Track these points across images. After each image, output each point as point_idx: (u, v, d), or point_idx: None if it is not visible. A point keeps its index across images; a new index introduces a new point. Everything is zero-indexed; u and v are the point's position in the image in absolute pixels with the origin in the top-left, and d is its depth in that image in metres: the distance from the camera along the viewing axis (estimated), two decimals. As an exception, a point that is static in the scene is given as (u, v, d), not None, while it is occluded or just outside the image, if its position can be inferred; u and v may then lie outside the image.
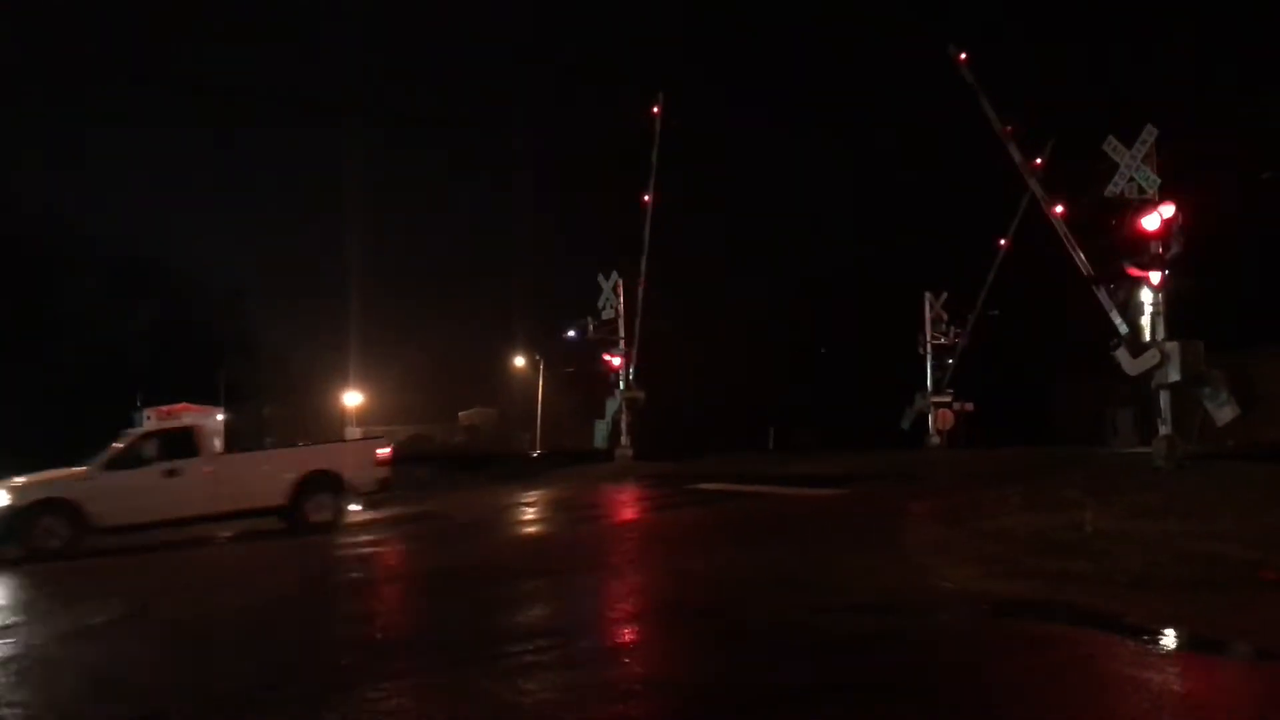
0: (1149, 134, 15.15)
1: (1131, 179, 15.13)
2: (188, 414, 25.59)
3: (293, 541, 14.91)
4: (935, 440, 32.31)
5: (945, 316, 33.29)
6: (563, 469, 28.63)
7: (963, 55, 22.90)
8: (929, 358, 33.02)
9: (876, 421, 33.39)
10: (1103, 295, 16.87)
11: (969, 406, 33.07)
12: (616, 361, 29.24)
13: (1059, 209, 19.49)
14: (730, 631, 7.04)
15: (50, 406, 26.82)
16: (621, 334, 29.54)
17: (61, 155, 56.64)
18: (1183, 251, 14.81)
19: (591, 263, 30.72)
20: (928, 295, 33.14)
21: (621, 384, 29.44)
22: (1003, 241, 31.47)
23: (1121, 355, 15.98)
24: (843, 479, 18.94)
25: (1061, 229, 18.89)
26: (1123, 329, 16.29)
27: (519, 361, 52.47)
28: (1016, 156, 21.43)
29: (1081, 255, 17.91)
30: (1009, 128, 21.96)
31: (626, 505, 18.22)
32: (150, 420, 25.54)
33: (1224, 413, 15.84)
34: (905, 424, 33.37)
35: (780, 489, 18.37)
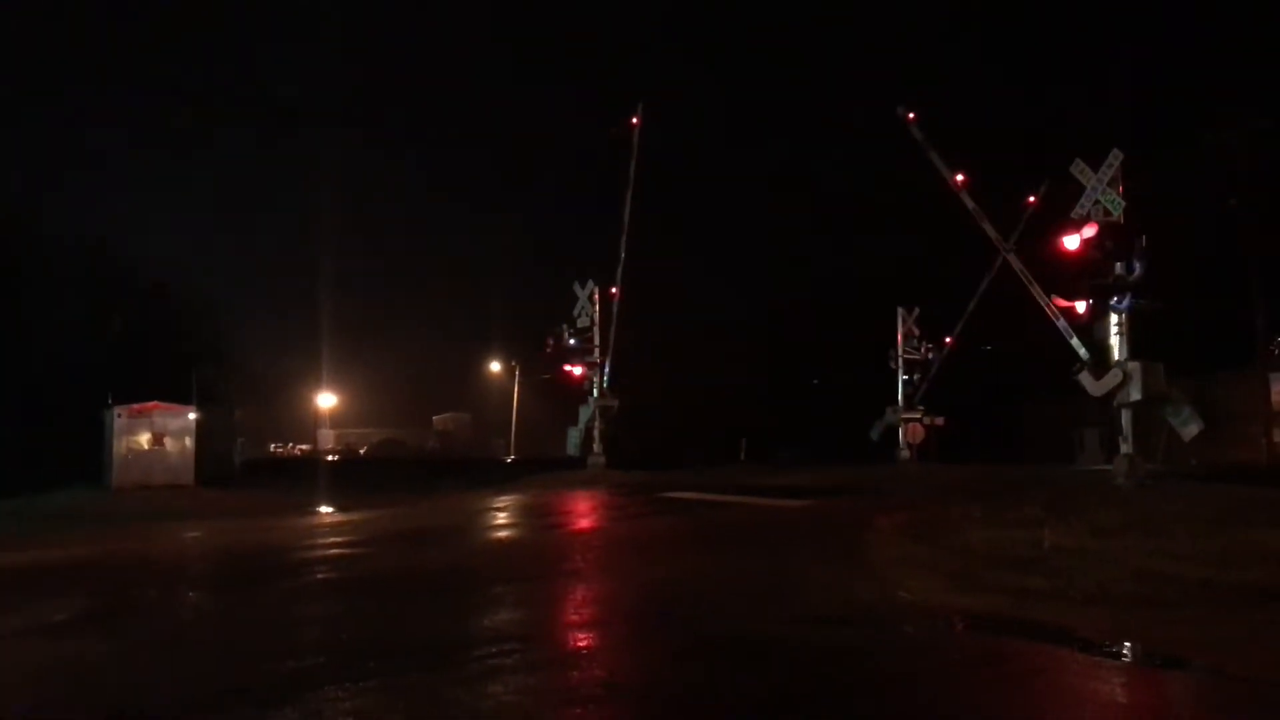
0: (1114, 158, 15.39)
1: (1097, 201, 15.33)
2: (158, 413, 25.68)
3: (258, 539, 14.85)
4: (905, 454, 32.53)
5: (917, 332, 33.43)
6: (536, 475, 28.80)
7: (911, 115, 23.98)
8: (900, 372, 33.20)
9: (849, 434, 33.54)
10: (1062, 324, 17.18)
11: (939, 421, 33.28)
12: (578, 372, 29.44)
13: (1012, 251, 20.07)
14: (693, 639, 7.09)
15: (19, 408, 26.53)
16: (596, 342, 29.62)
17: (34, 159, 56.76)
18: (1145, 275, 15.01)
19: (570, 270, 30.95)
20: (900, 310, 33.39)
21: (595, 392, 29.52)
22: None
23: (1085, 378, 16.24)
24: (812, 491, 19.05)
25: (1018, 267, 19.31)
26: (1084, 354, 16.54)
27: (495, 367, 52.46)
28: (969, 204, 21.97)
29: (1037, 288, 18.22)
30: (960, 178, 22.44)
31: (596, 513, 18.22)
32: (122, 419, 25.53)
33: (1190, 429, 16.06)
34: (874, 435, 33.52)
35: (750, 499, 18.43)
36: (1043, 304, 18.33)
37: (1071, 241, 15.27)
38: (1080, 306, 15.62)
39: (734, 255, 47.12)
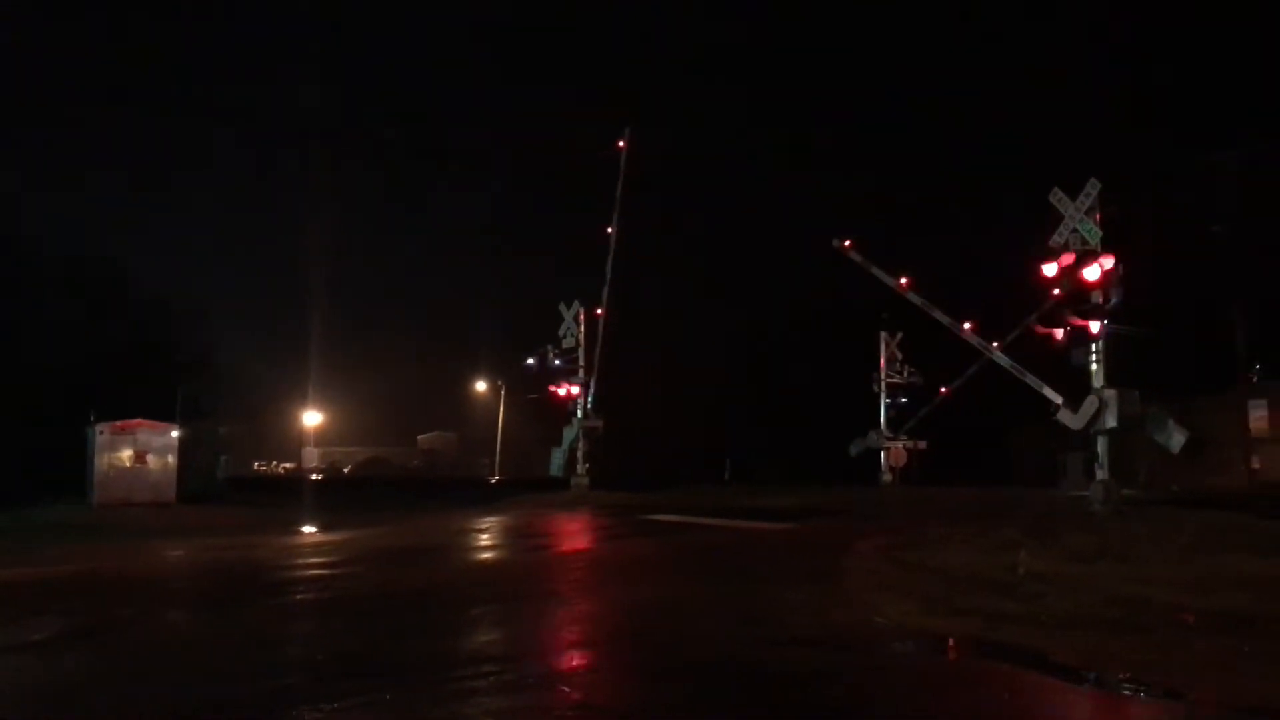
0: (1092, 187, 15.59)
1: (1075, 230, 15.52)
2: (142, 430, 25.54)
3: (240, 557, 14.83)
4: (888, 477, 32.65)
5: (900, 356, 33.60)
6: (520, 496, 29.02)
7: (847, 242, 25.73)
8: (883, 395, 33.37)
9: (833, 455, 33.59)
10: (1030, 378, 17.67)
11: (921, 445, 33.32)
12: (563, 392, 29.73)
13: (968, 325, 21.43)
14: (671, 662, 7.14)
15: (3, 421, 26.34)
16: (581, 363, 29.93)
17: (26, 170, 55.86)
18: (1122, 302, 15.20)
19: (556, 290, 32.41)
20: (883, 335, 33.56)
21: (579, 412, 29.79)
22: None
23: (1064, 416, 16.52)
24: (795, 514, 19.22)
25: (1006, 363, 19.87)
26: (1058, 400, 16.81)
27: (480, 386, 52.25)
28: (918, 300, 23.03)
29: (1031, 376, 18.66)
30: (903, 281, 23.80)
31: (579, 534, 18.27)
32: (104, 435, 25.35)
33: (1176, 440, 16.06)
34: (853, 450, 33.50)
35: (732, 522, 18.50)
36: (1015, 371, 18.75)
37: (1050, 269, 15.44)
38: (1059, 334, 15.79)
39: (722, 275, 47.51)
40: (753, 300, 45.15)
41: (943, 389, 31.83)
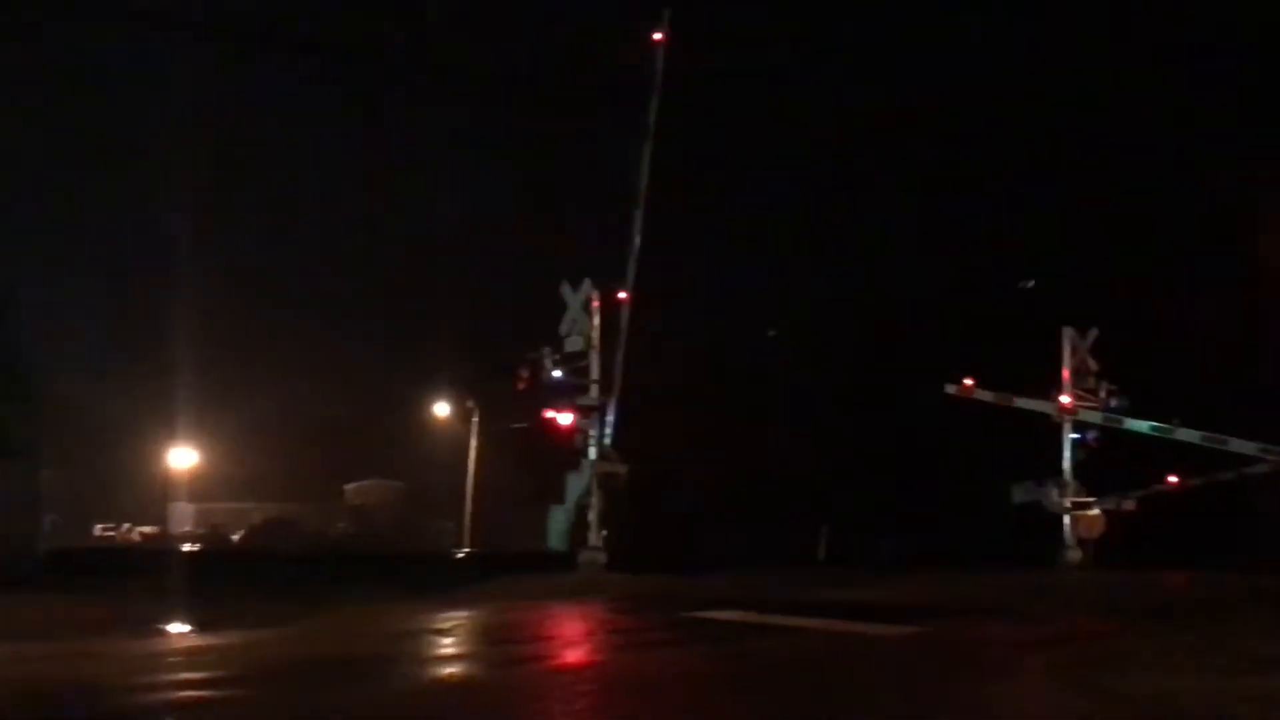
0: None
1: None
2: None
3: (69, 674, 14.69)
4: (1074, 555, 32.89)
5: (1096, 367, 33.50)
6: (500, 579, 28.63)
7: (968, 381, 29.83)
8: (1067, 429, 33.13)
9: (986, 519, 33.87)
10: None
11: (1129, 506, 33.35)
12: (567, 420, 29.90)
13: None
14: None
15: None
16: (595, 375, 30.00)
17: None
18: None
19: (556, 267, 31.64)
20: (1068, 333, 33.22)
21: (591, 451, 29.96)
22: None
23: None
24: (925, 611, 19.55)
25: None
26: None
27: (441, 411, 52.86)
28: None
29: None
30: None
31: (590, 640, 18.57)
32: None
33: None
34: (1017, 498, 33.77)
35: (829, 623, 18.73)
36: None
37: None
38: None
39: (807, 243, 46.75)
40: (857, 280, 44.54)
41: (1171, 477, 32.47)
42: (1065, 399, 33.53)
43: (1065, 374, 33.48)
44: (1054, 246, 38.73)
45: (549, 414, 30.08)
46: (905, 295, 42.51)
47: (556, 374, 30.07)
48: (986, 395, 30.03)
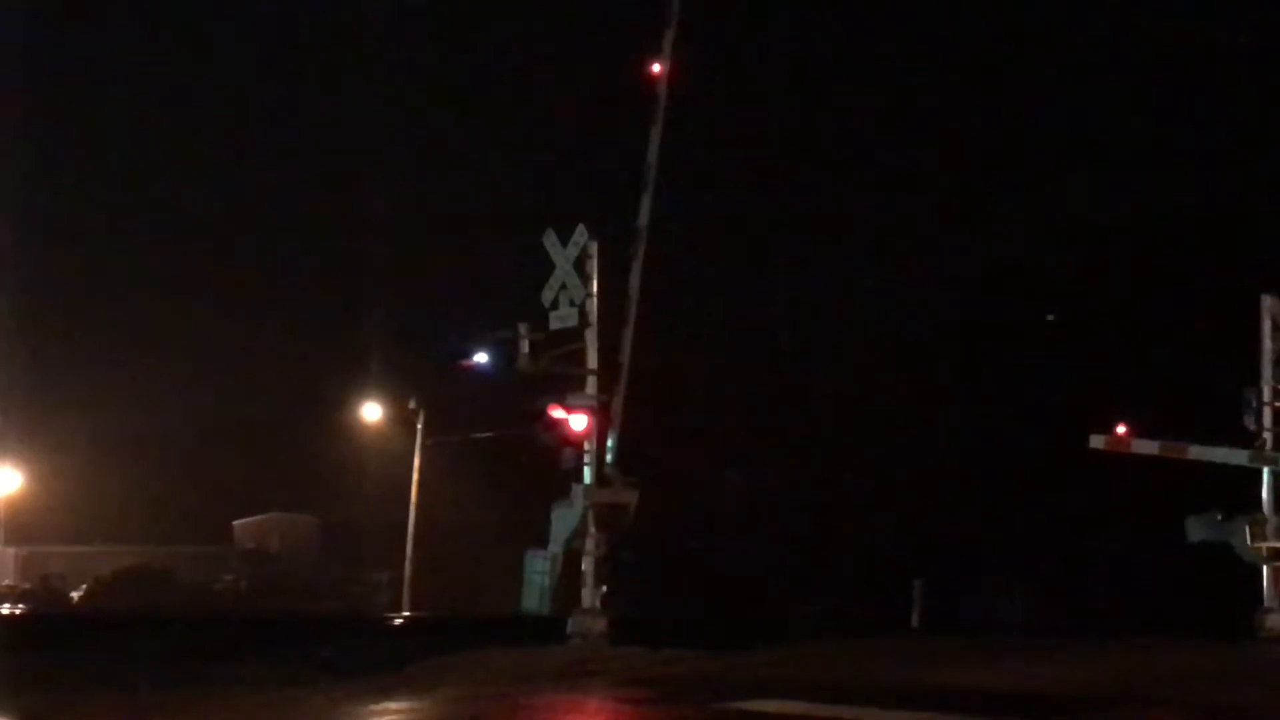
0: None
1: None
2: None
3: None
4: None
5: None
6: (455, 654, 26.09)
7: (1122, 429, 30.11)
8: (1269, 436, 29.97)
9: (1145, 576, 30.72)
10: None
11: None
12: (552, 426, 27.38)
13: None
14: None
15: None
16: (592, 363, 27.67)
17: None
18: None
19: (536, 212, 32.38)
20: (1268, 302, 30.27)
21: (588, 470, 27.24)
22: None
23: None
24: (1060, 704, 18.16)
25: None
26: None
27: (371, 414, 52.01)
28: None
29: None
30: None
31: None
32: None
33: None
34: (1194, 536, 31.29)
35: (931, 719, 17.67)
36: None
37: None
38: None
39: (886, 175, 44.15)
40: (957, 239, 40.94)
41: None
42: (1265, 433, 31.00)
43: (1265, 358, 30.24)
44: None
45: (552, 413, 27.01)
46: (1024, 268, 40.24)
47: (536, 360, 27.37)
48: (1149, 447, 28.40)
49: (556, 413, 27.03)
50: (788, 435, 34.50)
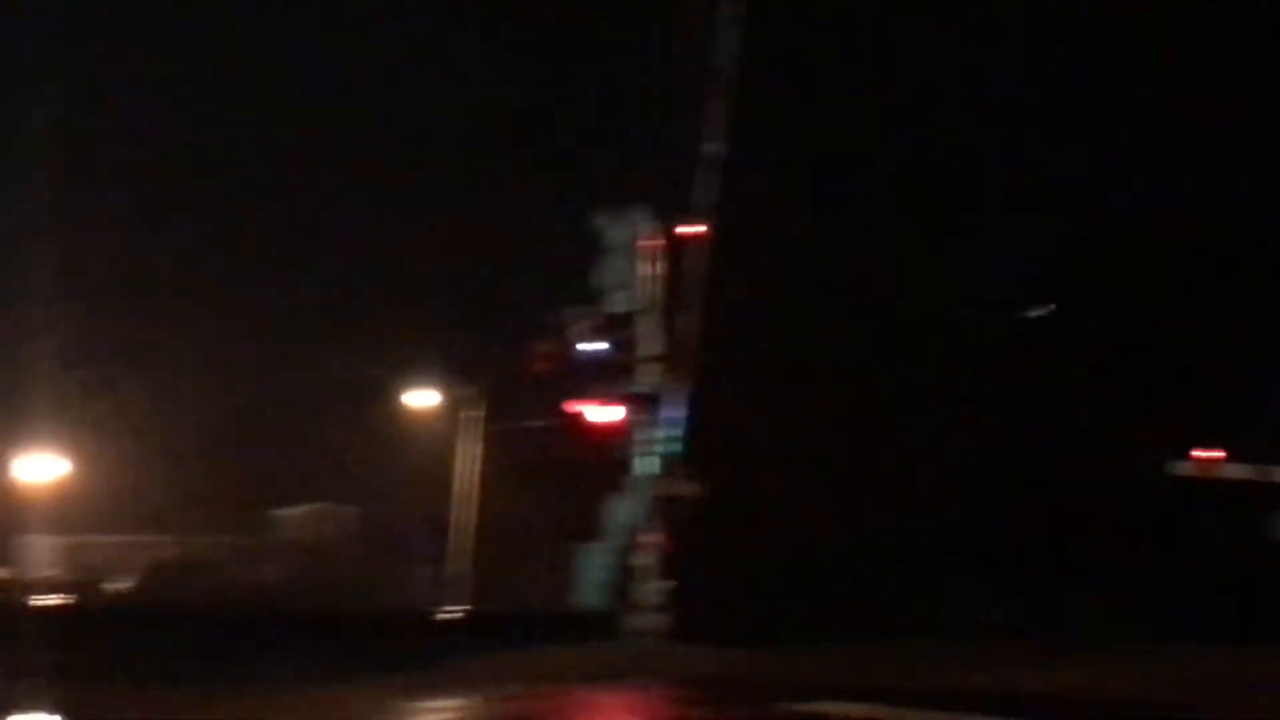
0: None
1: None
2: None
3: None
4: None
5: None
6: (504, 653, 25.57)
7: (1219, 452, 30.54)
8: None
9: (1230, 573, 30.85)
10: None
11: None
12: (603, 418, 28.71)
13: None
14: None
15: None
16: (651, 350, 28.17)
17: None
18: None
19: (587, 193, 30.32)
20: None
21: (647, 464, 28.11)
22: None
23: None
24: (1166, 711, 17.13)
25: None
26: None
27: (415, 401, 51.29)
28: None
29: None
30: None
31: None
32: None
33: None
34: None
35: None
36: None
37: None
38: None
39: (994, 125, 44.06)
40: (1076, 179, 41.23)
41: None
42: None
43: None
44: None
45: (578, 407, 28.48)
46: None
47: (590, 348, 28.47)
48: (1244, 473, 28.08)
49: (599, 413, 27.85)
50: (860, 428, 34.02)
